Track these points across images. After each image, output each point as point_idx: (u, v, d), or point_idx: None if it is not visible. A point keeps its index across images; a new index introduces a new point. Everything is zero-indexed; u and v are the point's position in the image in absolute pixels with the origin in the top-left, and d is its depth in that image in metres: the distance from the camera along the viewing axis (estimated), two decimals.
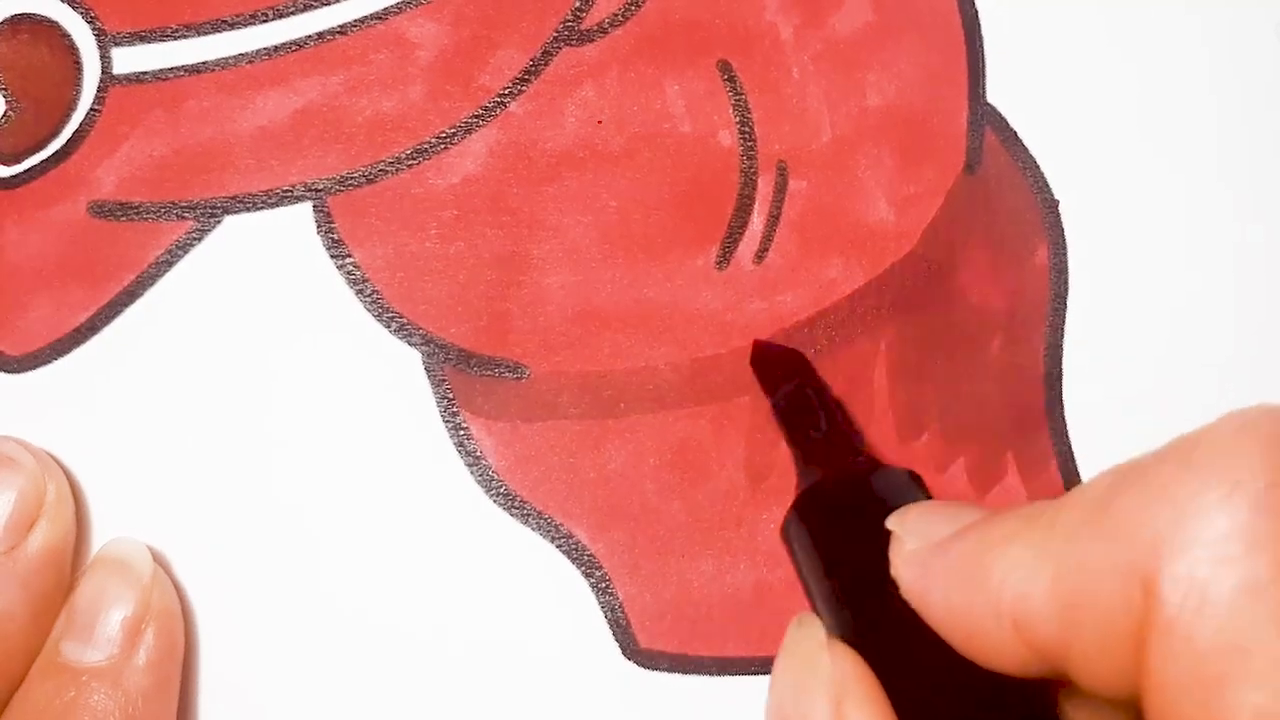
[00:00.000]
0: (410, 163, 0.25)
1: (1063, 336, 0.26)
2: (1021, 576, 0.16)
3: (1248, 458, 0.15)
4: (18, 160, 0.25)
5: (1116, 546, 0.15)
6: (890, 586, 0.19)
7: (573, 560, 0.24)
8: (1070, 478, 0.26)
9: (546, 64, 0.25)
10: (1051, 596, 0.16)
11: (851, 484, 0.22)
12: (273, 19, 0.25)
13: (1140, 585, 0.15)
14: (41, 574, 0.23)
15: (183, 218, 0.25)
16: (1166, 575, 0.14)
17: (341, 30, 0.25)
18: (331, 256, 0.25)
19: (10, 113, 0.25)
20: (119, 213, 0.25)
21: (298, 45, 0.25)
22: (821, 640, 0.19)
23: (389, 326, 0.25)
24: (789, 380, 0.24)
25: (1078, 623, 0.16)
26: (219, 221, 0.25)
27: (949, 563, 0.18)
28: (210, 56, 0.25)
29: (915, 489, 0.22)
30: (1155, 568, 0.14)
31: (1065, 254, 0.26)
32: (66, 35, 0.25)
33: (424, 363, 0.25)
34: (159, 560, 0.24)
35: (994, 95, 0.25)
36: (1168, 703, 0.14)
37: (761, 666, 0.24)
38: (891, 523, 0.19)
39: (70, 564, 0.24)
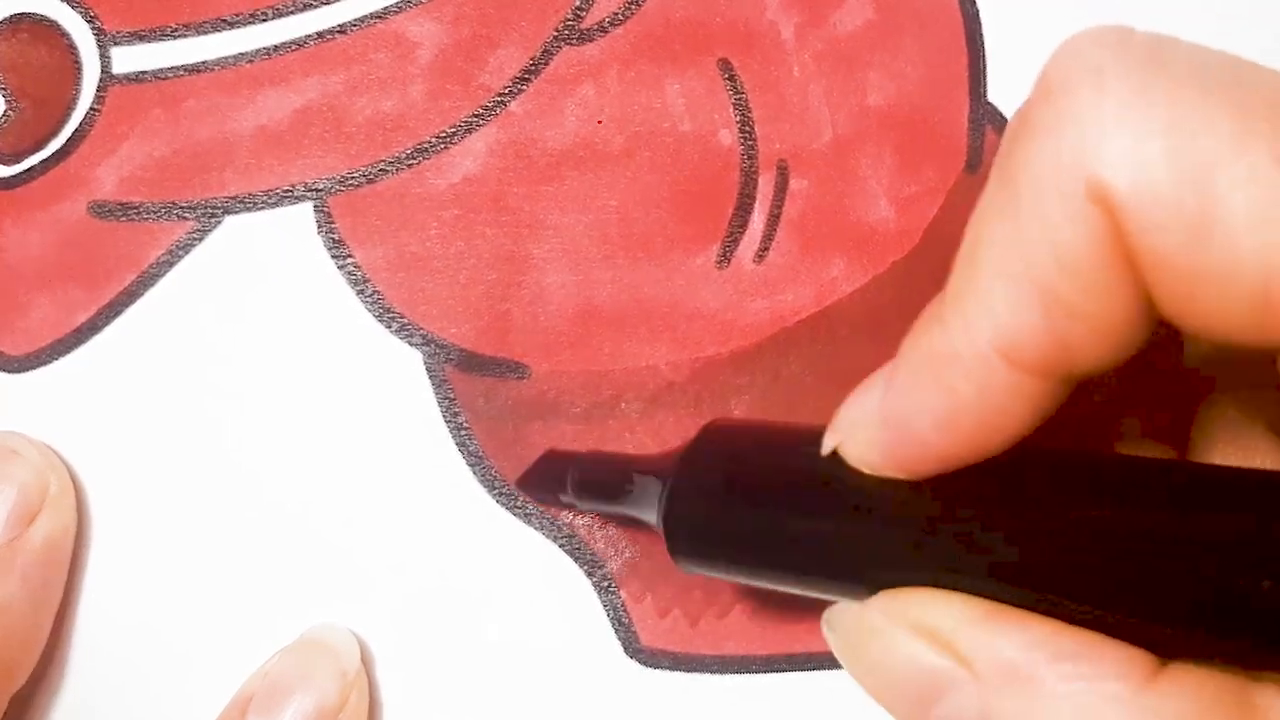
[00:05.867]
0: (410, 162, 0.25)
1: None
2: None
3: None
4: (17, 160, 0.25)
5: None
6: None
7: (575, 559, 0.24)
8: None
9: (547, 63, 0.25)
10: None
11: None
12: (272, 18, 0.25)
13: None
14: (42, 565, 0.23)
15: (183, 218, 0.25)
16: None
17: (341, 29, 0.25)
18: (332, 257, 0.25)
19: (10, 112, 0.25)
20: (119, 213, 0.25)
21: (297, 44, 0.25)
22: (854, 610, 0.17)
23: (390, 327, 0.25)
24: (549, 478, 0.24)
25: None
26: (219, 221, 0.25)
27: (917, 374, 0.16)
28: (210, 56, 0.25)
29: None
30: None
31: None
32: (66, 35, 0.25)
33: (425, 363, 0.24)
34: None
35: (995, 94, 0.25)
36: None
37: (761, 665, 0.24)
38: (829, 439, 0.17)
39: (70, 556, 0.24)
